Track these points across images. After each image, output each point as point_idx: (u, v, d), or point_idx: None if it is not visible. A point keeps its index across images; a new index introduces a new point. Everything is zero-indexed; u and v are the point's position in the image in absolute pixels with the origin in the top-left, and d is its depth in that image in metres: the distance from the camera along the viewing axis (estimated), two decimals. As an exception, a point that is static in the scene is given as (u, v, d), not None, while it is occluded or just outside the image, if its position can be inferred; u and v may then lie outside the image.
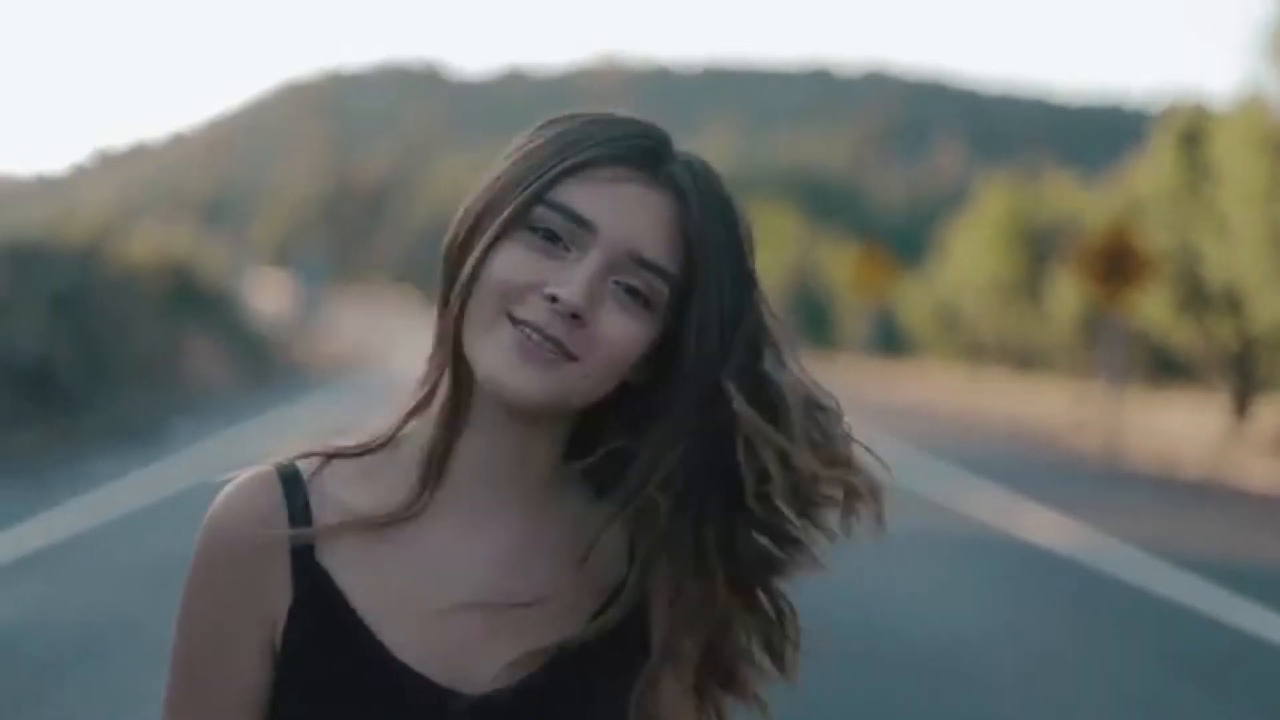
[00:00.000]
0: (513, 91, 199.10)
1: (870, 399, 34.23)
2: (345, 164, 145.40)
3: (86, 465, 17.70)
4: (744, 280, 1.67)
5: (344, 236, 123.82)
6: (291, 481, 1.71)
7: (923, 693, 8.25)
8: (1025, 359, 39.29)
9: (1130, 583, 11.56)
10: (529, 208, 1.63)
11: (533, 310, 1.61)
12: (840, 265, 52.42)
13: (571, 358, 1.61)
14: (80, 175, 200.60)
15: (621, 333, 1.62)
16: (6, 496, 15.11)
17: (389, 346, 44.99)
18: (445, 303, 1.69)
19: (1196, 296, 25.44)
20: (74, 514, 13.75)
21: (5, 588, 10.39)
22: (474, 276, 1.64)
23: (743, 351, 1.66)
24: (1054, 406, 31.10)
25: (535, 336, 1.60)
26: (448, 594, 1.69)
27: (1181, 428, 25.39)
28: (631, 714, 1.70)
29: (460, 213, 1.70)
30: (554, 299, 1.59)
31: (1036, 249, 37.90)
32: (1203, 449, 22.45)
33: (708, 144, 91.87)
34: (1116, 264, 22.57)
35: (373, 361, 40.95)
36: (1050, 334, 36.54)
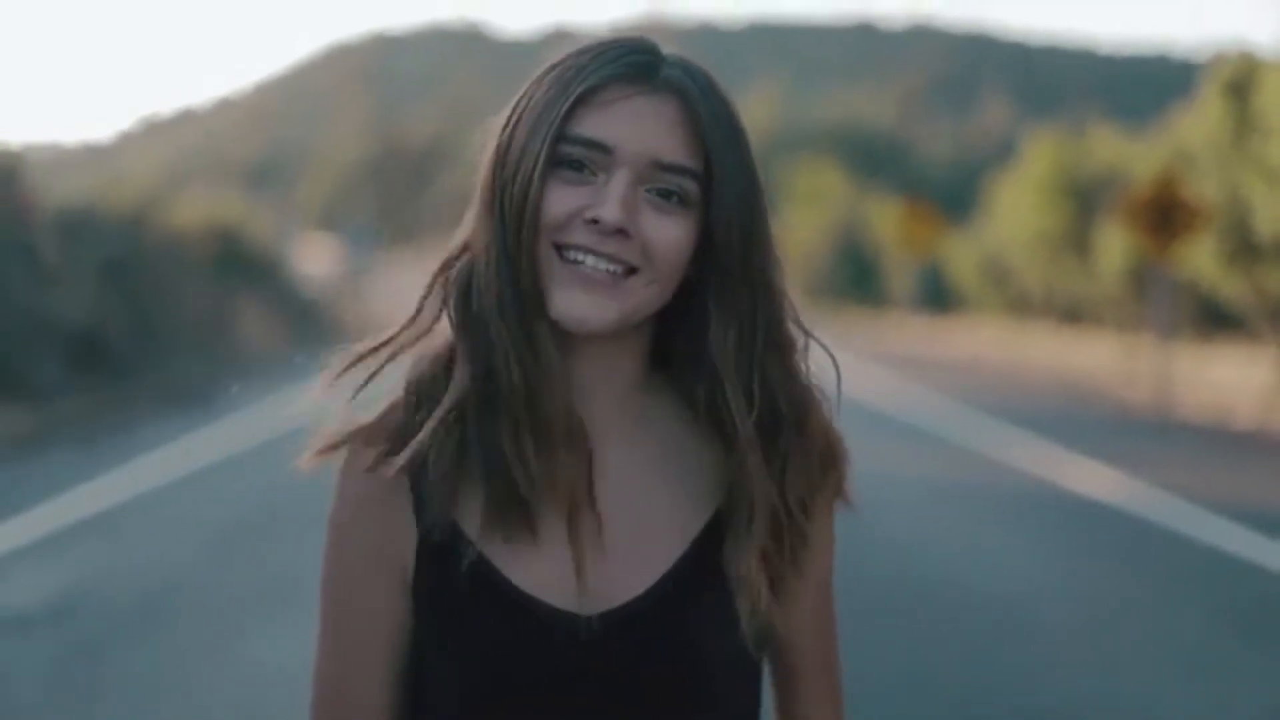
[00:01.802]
0: (558, 50, 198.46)
1: (918, 354, 34.20)
2: (390, 126, 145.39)
3: (138, 430, 17.84)
4: (750, 166, 1.79)
5: (390, 199, 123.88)
6: (398, 435, 1.81)
7: (969, 646, 8.26)
8: (1073, 313, 39.09)
9: (1181, 534, 11.54)
10: (554, 148, 1.72)
11: (580, 235, 1.72)
12: (887, 221, 52.23)
13: (631, 270, 1.72)
14: (127, 142, 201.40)
15: (666, 234, 1.73)
16: (61, 462, 15.24)
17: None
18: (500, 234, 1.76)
19: (1246, 248, 25.22)
20: (127, 478, 13.87)
21: (62, 552, 10.49)
22: (535, 224, 1.73)
23: (766, 230, 1.80)
24: (1102, 360, 30.97)
25: (589, 259, 1.71)
26: (558, 519, 1.76)
27: (1231, 380, 25.24)
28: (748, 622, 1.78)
29: (490, 169, 1.79)
30: (596, 221, 1.70)
31: (1083, 202, 37.65)
32: (1253, 401, 22.32)
33: (753, 100, 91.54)
34: (1165, 215, 22.40)
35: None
36: (1098, 287, 36.34)
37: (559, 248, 1.73)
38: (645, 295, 1.74)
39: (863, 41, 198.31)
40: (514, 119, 1.78)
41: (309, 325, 37.03)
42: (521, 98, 1.80)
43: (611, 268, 1.71)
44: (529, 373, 1.73)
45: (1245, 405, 21.89)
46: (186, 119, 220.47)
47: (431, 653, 1.80)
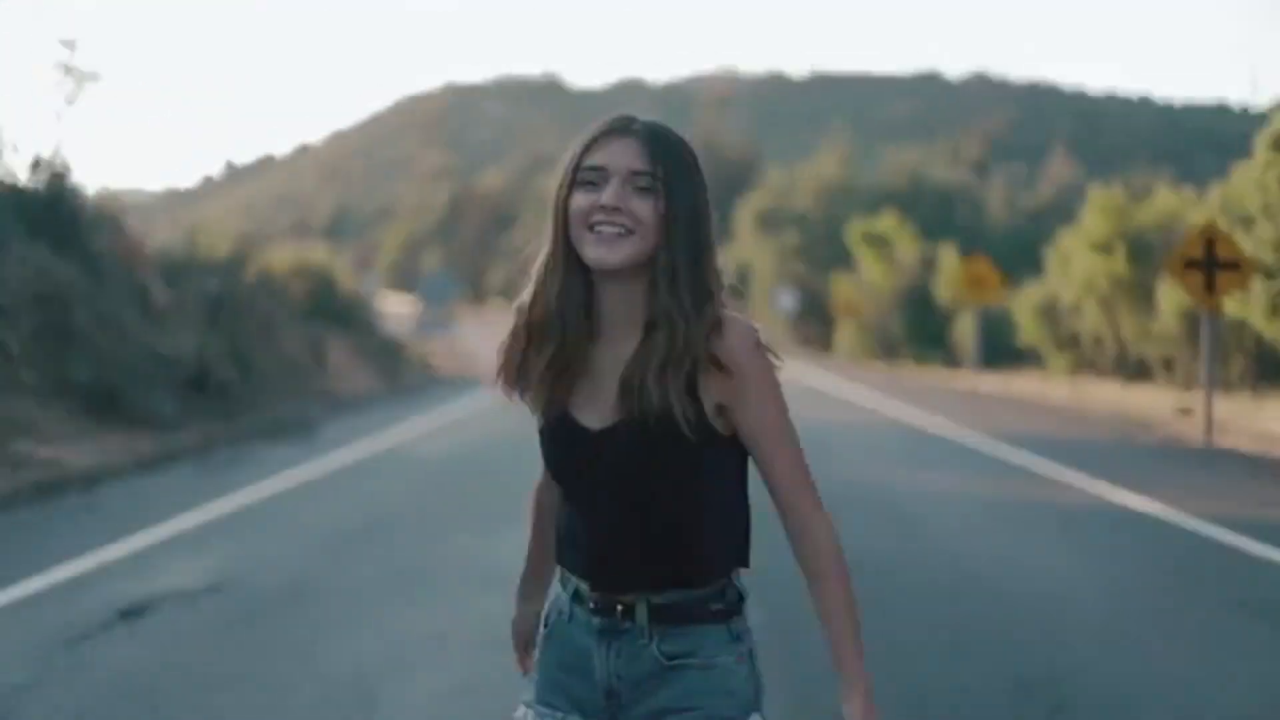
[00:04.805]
0: (631, 101, 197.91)
1: (985, 408, 34.42)
2: (466, 177, 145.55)
3: (249, 456, 18.67)
4: (692, 176, 3.03)
5: (465, 249, 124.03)
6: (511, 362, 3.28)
7: (1005, 629, 8.82)
8: (1134, 364, 39.26)
9: (1225, 544, 12.03)
10: (575, 174, 3.02)
11: (597, 216, 2.98)
12: (952, 276, 51.91)
13: (630, 232, 2.96)
14: (209, 187, 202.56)
15: (646, 207, 2.97)
16: (184, 480, 16.12)
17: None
18: (554, 236, 3.07)
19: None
20: (246, 493, 14.91)
21: (203, 546, 11.57)
22: (567, 217, 3.15)
23: (706, 219, 3.04)
24: (1160, 409, 31.09)
25: (605, 229, 2.96)
26: (596, 382, 3.21)
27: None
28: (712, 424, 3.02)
29: (557, 190, 3.09)
30: (604, 206, 3.10)
31: (1143, 254, 37.90)
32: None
33: (821, 156, 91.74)
34: (1209, 268, 22.79)
35: (492, 373, 41.54)
36: (1157, 339, 36.64)
37: (589, 227, 2.96)
38: (639, 247, 2.96)
39: (928, 92, 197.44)
40: (564, 167, 3.06)
41: (394, 368, 37.97)
42: (568, 154, 3.06)
43: (617, 230, 2.94)
44: (565, 302, 3.04)
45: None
46: (266, 165, 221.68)
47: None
